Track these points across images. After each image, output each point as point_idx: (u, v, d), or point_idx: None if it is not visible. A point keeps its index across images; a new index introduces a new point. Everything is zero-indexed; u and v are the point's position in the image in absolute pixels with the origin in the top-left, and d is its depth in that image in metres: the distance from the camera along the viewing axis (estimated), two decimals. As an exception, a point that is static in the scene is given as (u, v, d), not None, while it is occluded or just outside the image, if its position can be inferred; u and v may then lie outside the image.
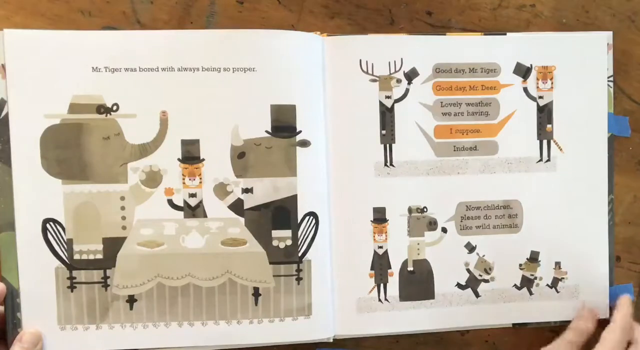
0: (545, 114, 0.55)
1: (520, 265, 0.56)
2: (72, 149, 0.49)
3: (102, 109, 0.49)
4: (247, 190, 0.51)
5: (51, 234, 0.49)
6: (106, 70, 0.49)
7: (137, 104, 0.50)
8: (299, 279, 0.52)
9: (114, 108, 0.49)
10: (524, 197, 0.55)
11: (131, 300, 0.50)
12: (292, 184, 0.51)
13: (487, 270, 0.55)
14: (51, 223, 0.49)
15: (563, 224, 0.56)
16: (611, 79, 0.55)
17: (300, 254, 0.52)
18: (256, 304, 0.51)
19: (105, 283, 0.50)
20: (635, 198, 0.58)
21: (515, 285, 0.56)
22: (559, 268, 0.56)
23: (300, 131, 0.51)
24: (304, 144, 0.51)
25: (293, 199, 0.51)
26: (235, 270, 0.51)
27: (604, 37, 0.55)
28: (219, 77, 0.50)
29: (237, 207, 0.51)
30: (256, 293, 0.51)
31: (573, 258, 0.56)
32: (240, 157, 0.51)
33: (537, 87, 0.55)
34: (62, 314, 0.50)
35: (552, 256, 0.56)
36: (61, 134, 0.49)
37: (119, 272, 0.50)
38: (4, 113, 0.48)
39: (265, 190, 0.51)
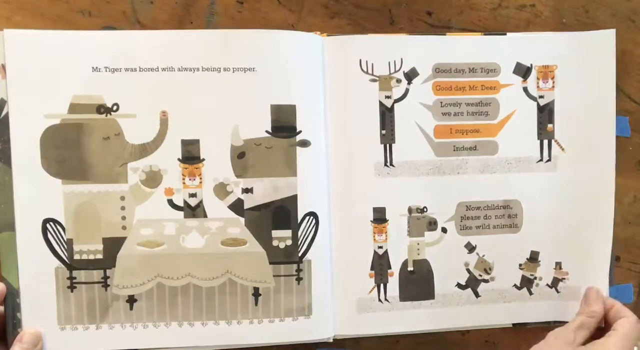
0: (545, 113, 0.55)
1: (520, 265, 0.56)
2: (72, 149, 0.49)
3: (102, 109, 0.49)
4: (247, 190, 0.51)
5: (51, 234, 0.49)
6: (106, 70, 0.49)
7: (137, 104, 0.50)
8: (299, 279, 0.52)
9: (114, 108, 0.49)
10: (524, 197, 0.55)
11: (131, 300, 0.50)
12: (292, 184, 0.51)
13: (487, 270, 0.55)
14: (51, 223, 0.49)
15: (564, 224, 0.55)
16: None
17: (300, 254, 0.52)
18: (256, 304, 0.51)
19: (105, 283, 0.50)
20: (635, 198, 0.58)
21: (515, 285, 0.56)
22: (560, 268, 0.56)
23: (300, 131, 0.51)
24: (304, 144, 0.51)
25: (293, 199, 0.51)
26: (235, 270, 0.51)
27: (607, 35, 0.55)
28: (219, 77, 0.50)
29: (237, 207, 0.51)
30: (256, 293, 0.51)
31: (575, 258, 0.56)
32: (240, 157, 0.51)
33: (538, 87, 0.55)
34: (62, 314, 0.50)
35: (552, 256, 0.56)
36: (61, 134, 0.49)
37: (119, 272, 0.50)
38: (4, 113, 0.48)
39: (265, 190, 0.51)
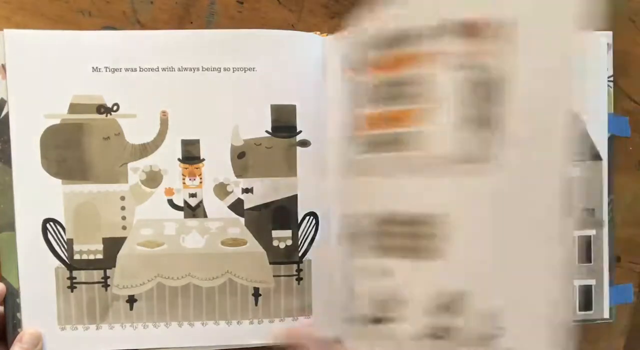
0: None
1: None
2: (72, 149, 0.49)
3: (102, 109, 0.49)
4: (247, 190, 0.51)
5: (51, 234, 0.49)
6: (106, 70, 0.49)
7: (137, 104, 0.50)
8: (299, 279, 0.52)
9: (114, 108, 0.49)
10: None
11: (131, 300, 0.50)
12: (292, 184, 0.51)
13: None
14: (51, 223, 0.49)
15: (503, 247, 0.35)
16: (611, 79, 0.55)
17: (300, 254, 0.52)
18: (256, 304, 0.51)
19: (105, 283, 0.50)
20: (635, 198, 0.58)
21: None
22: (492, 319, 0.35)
23: (300, 131, 0.51)
24: (304, 144, 0.51)
25: (293, 199, 0.51)
26: (235, 271, 0.51)
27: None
28: (219, 77, 0.50)
29: (237, 207, 0.51)
30: (256, 293, 0.51)
31: (517, 304, 0.34)
32: (240, 157, 0.51)
33: None
34: (62, 314, 0.50)
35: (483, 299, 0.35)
36: (61, 134, 0.49)
37: (119, 272, 0.50)
38: (4, 113, 0.48)
39: (265, 190, 0.51)
